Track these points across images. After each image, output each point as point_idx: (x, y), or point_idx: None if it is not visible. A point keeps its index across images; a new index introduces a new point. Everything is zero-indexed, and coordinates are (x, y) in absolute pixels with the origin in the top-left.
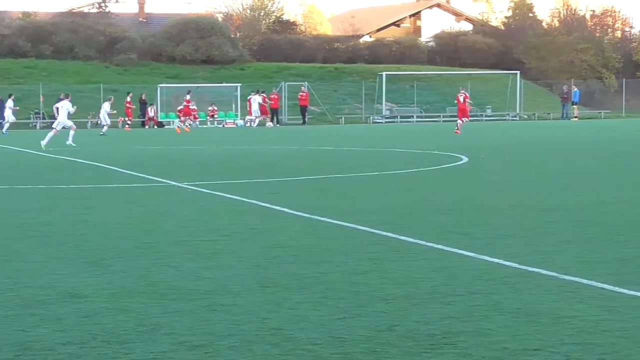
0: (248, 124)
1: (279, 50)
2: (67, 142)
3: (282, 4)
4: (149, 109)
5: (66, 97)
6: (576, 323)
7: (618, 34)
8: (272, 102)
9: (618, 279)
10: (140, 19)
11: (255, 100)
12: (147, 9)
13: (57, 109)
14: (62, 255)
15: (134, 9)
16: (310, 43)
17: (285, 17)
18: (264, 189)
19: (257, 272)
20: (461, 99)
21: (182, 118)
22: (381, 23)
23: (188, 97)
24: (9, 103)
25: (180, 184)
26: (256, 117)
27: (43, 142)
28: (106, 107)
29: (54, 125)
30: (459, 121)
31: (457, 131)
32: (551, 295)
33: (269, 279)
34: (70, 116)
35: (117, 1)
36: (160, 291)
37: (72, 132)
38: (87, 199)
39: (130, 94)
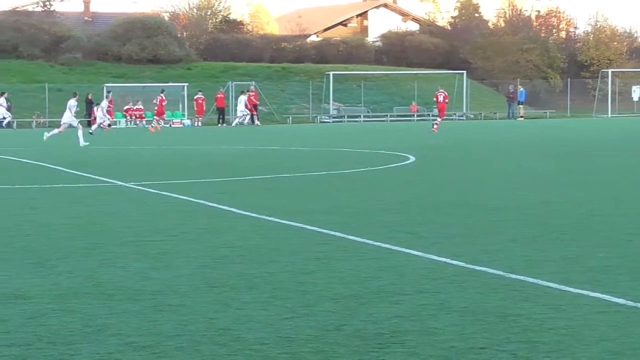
0: (240, 122)
1: (225, 50)
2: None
3: (229, 4)
4: (94, 108)
5: (73, 96)
6: (522, 321)
7: (563, 34)
8: (218, 101)
9: (563, 278)
10: (86, 18)
11: (242, 100)
12: (93, 8)
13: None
14: (6, 256)
15: (79, 7)
16: (257, 43)
17: (232, 17)
18: (211, 189)
19: (204, 272)
20: (440, 98)
21: (157, 117)
22: (328, 23)
23: (162, 95)
24: (104, 103)
25: (127, 184)
26: (244, 115)
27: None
28: (104, 105)
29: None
30: (438, 119)
31: (435, 130)
32: (497, 294)
33: (217, 279)
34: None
35: (62, 0)
36: (107, 292)
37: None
38: (33, 199)
39: (111, 92)
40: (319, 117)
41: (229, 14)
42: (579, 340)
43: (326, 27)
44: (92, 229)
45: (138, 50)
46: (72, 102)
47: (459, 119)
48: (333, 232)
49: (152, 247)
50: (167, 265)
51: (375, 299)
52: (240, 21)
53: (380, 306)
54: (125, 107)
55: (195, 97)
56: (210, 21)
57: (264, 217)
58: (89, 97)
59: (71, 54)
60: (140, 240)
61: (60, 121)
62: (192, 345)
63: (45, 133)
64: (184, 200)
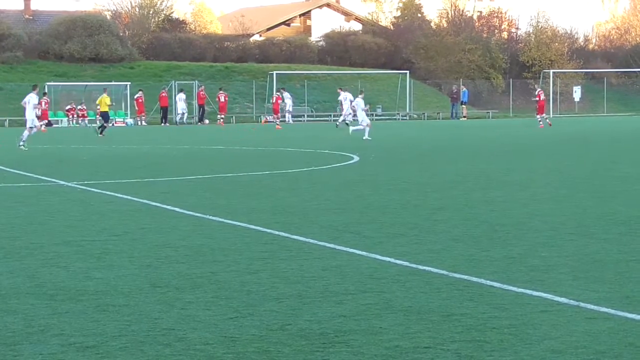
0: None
1: (168, 49)
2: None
3: (172, 3)
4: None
5: (33, 89)
6: (466, 320)
7: (505, 35)
8: (161, 100)
9: (506, 277)
10: (26, 16)
11: (181, 98)
12: (33, 6)
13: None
14: None
15: (19, 5)
16: (200, 42)
17: (174, 16)
18: (154, 189)
19: (148, 272)
20: None
21: (138, 116)
22: (271, 22)
23: (140, 94)
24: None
25: (69, 184)
26: (183, 113)
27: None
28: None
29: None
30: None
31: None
32: (441, 293)
33: (160, 279)
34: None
35: None
36: (49, 292)
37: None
38: None
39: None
40: (262, 117)
41: (172, 13)
42: (522, 339)
43: (269, 26)
44: (33, 229)
45: (80, 48)
46: (33, 97)
47: (402, 119)
48: (277, 232)
49: (95, 247)
50: (110, 265)
51: (320, 298)
52: (183, 20)
53: (324, 306)
54: (67, 107)
55: (136, 97)
56: (153, 20)
57: (207, 216)
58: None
59: (12, 53)
60: (82, 240)
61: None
62: (136, 346)
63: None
64: (127, 200)
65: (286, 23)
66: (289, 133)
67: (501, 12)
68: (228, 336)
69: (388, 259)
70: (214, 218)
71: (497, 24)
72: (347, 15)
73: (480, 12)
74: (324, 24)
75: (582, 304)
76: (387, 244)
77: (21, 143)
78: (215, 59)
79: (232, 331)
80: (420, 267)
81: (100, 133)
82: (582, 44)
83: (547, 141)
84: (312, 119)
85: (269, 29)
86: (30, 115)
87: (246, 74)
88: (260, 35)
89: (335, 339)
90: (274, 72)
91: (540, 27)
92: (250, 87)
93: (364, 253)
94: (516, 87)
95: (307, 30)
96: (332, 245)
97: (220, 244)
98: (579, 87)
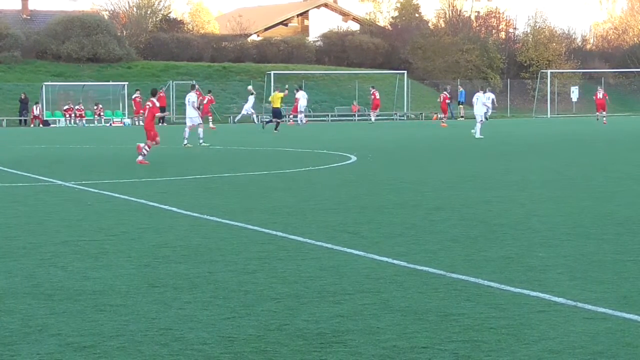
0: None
1: (166, 49)
2: None
3: (169, 2)
4: (34, 107)
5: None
6: (463, 320)
7: (502, 35)
8: (159, 101)
9: (503, 277)
10: (24, 15)
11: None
12: (31, 6)
13: None
14: None
15: (17, 5)
16: (197, 42)
17: (172, 16)
18: (152, 188)
19: (145, 271)
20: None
21: (135, 116)
22: (269, 22)
23: (138, 94)
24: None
25: (67, 184)
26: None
27: None
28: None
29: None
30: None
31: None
32: (439, 294)
33: (158, 278)
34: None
35: None
36: (47, 292)
37: None
38: None
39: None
40: (260, 117)
41: (169, 12)
42: (520, 339)
43: (267, 26)
44: (31, 229)
45: (77, 48)
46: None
47: (399, 119)
48: (274, 232)
49: (93, 247)
50: (107, 265)
51: (317, 298)
52: (181, 20)
53: (322, 306)
54: (65, 107)
55: (133, 97)
56: (151, 20)
57: (205, 216)
58: (23, 97)
59: (9, 53)
60: (80, 240)
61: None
62: (133, 346)
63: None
64: (124, 200)
65: (284, 23)
66: (286, 133)
67: (499, 12)
68: (226, 336)
69: (385, 259)
70: (211, 218)
71: (494, 24)
72: (345, 15)
73: (478, 12)
74: (321, 24)
75: (579, 304)
76: (384, 244)
77: None
78: (213, 59)
79: (229, 331)
80: (418, 267)
81: (275, 128)
82: (579, 44)
83: (544, 141)
84: (309, 119)
85: (266, 29)
86: None
87: (244, 74)
88: (258, 35)
89: (333, 339)
90: (272, 72)
91: (537, 27)
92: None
93: (361, 253)
94: (514, 87)
95: (305, 30)
96: (329, 245)
97: (217, 244)
98: (577, 87)
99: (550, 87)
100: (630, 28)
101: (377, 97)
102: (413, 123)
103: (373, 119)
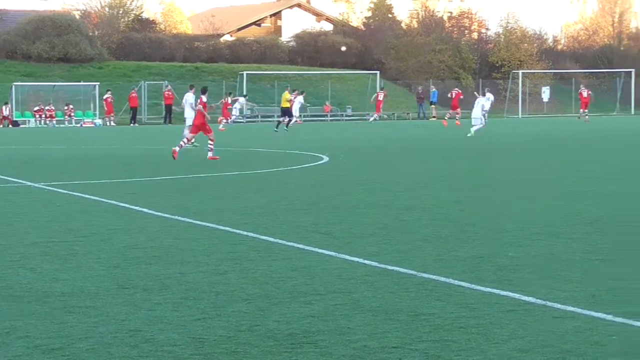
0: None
1: (138, 49)
2: None
3: (141, 2)
4: (3, 108)
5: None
6: (434, 320)
7: (474, 35)
8: (131, 101)
9: (474, 277)
10: None
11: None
12: (1, 5)
13: None
14: None
15: None
16: (170, 42)
17: (144, 16)
18: (122, 189)
19: (115, 273)
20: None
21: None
22: (242, 22)
23: (109, 94)
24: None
25: (36, 184)
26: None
27: None
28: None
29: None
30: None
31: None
32: (409, 293)
33: (128, 280)
34: None
35: None
36: (16, 294)
37: None
38: None
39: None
40: (232, 117)
41: (142, 12)
42: (490, 338)
43: (240, 26)
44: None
45: (48, 48)
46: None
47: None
48: (246, 233)
49: (62, 248)
50: (77, 267)
51: (288, 299)
52: (153, 20)
53: (293, 306)
54: (35, 108)
55: (105, 97)
56: (122, 20)
57: (176, 217)
58: None
59: None
60: (49, 241)
61: None
62: (103, 347)
63: None
64: (94, 201)
65: (257, 23)
66: (258, 133)
67: (471, 13)
68: (196, 337)
69: (357, 259)
70: (182, 219)
71: (467, 24)
72: (318, 15)
73: (451, 12)
74: (294, 24)
75: (549, 303)
76: (356, 244)
77: None
78: (186, 59)
79: (200, 332)
80: (389, 267)
81: (286, 126)
82: (551, 44)
83: (516, 141)
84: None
85: (239, 29)
86: None
87: (216, 74)
88: (231, 36)
89: (304, 340)
90: (244, 73)
91: (509, 27)
92: (220, 88)
93: (332, 253)
94: (486, 88)
95: (278, 30)
96: (300, 246)
97: (189, 244)
98: (548, 87)
99: (522, 87)
100: (600, 29)
101: (380, 98)
102: (386, 123)
103: (371, 119)
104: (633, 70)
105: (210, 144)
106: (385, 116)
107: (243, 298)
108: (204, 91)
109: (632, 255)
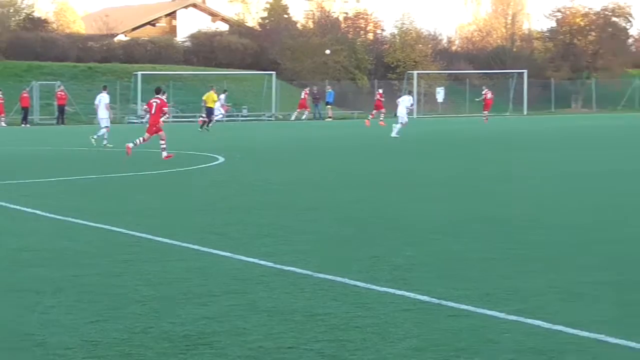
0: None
1: (29, 49)
2: None
3: (33, 1)
4: None
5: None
6: (329, 320)
7: (370, 36)
8: (22, 101)
9: (370, 276)
10: None
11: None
12: None
13: None
14: None
15: None
16: (63, 41)
17: (36, 15)
18: (14, 191)
19: (4, 276)
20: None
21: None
22: (136, 22)
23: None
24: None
25: None
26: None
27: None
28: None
29: None
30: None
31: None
32: (305, 294)
33: (19, 283)
34: None
35: None
36: None
37: None
38: None
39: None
40: (126, 118)
41: (33, 11)
42: (385, 338)
43: (134, 26)
44: None
45: None
46: None
47: (268, 120)
48: (140, 234)
49: None
50: None
51: (183, 300)
52: (45, 19)
53: (188, 308)
54: None
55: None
56: (13, 19)
57: (70, 219)
58: None
59: None
60: None
61: None
62: None
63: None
64: None
65: (151, 23)
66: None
67: (367, 14)
68: (89, 340)
69: (253, 259)
70: (77, 221)
71: (362, 25)
72: (214, 15)
73: (346, 13)
74: (190, 24)
75: (443, 302)
76: (252, 245)
77: None
78: (79, 59)
79: (93, 335)
80: (285, 267)
81: (207, 126)
82: (445, 45)
83: (412, 141)
84: (177, 119)
85: (134, 29)
86: None
87: (110, 74)
88: (125, 35)
89: (199, 341)
90: (139, 73)
91: (404, 28)
92: (114, 88)
93: (228, 254)
94: (381, 88)
95: (173, 30)
96: (196, 247)
97: (83, 246)
98: (442, 88)
99: (417, 87)
100: (493, 30)
101: (303, 96)
102: (281, 124)
103: (293, 117)
104: (525, 71)
105: (162, 144)
106: (281, 116)
107: (137, 300)
108: (159, 91)
109: (524, 253)
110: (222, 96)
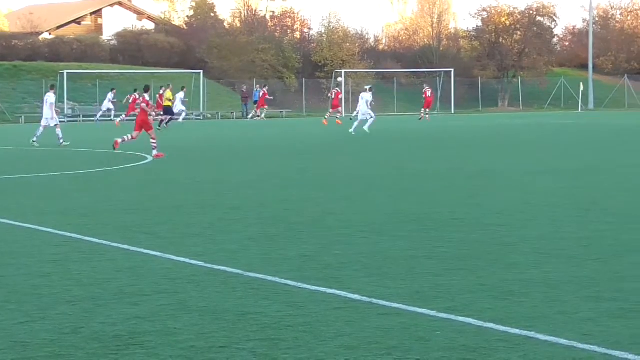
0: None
1: None
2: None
3: None
4: None
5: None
6: (261, 319)
7: (297, 35)
8: None
9: (301, 275)
10: None
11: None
12: None
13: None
14: None
15: None
16: None
17: None
18: None
19: None
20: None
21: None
22: (61, 20)
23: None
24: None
25: None
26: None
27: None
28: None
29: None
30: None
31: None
32: (236, 293)
33: None
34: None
35: None
36: None
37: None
38: None
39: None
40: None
41: None
42: (317, 336)
43: (59, 24)
44: None
45: None
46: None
47: (196, 119)
48: (69, 234)
49: None
50: None
51: (114, 300)
52: None
53: (118, 308)
54: None
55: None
56: None
57: None
58: None
59: None
60: None
61: None
62: None
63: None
64: None
65: (77, 21)
66: (81, 133)
67: (294, 12)
68: (18, 341)
69: (183, 259)
70: (3, 221)
71: (290, 24)
72: (140, 14)
73: (273, 12)
74: (115, 23)
75: (374, 301)
76: (182, 245)
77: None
78: (3, 57)
79: (22, 336)
80: (216, 266)
81: (166, 124)
82: (372, 44)
83: (339, 140)
84: (105, 118)
85: (59, 27)
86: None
87: (36, 73)
88: (50, 34)
89: (130, 341)
90: (65, 71)
91: (332, 27)
92: (40, 87)
93: (158, 254)
94: (309, 87)
95: (99, 29)
96: (126, 247)
97: (10, 247)
98: (369, 86)
99: (345, 86)
100: (420, 29)
101: (260, 95)
102: (209, 122)
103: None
104: (452, 70)
105: (153, 142)
106: (209, 115)
107: (67, 300)
108: (146, 90)
109: (453, 251)
110: (181, 93)
